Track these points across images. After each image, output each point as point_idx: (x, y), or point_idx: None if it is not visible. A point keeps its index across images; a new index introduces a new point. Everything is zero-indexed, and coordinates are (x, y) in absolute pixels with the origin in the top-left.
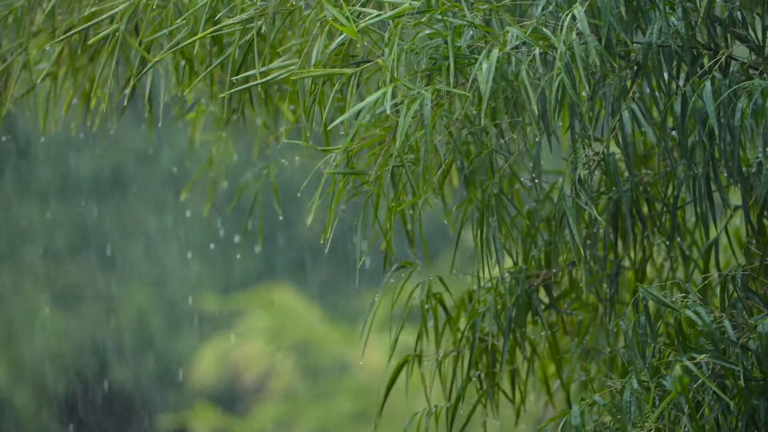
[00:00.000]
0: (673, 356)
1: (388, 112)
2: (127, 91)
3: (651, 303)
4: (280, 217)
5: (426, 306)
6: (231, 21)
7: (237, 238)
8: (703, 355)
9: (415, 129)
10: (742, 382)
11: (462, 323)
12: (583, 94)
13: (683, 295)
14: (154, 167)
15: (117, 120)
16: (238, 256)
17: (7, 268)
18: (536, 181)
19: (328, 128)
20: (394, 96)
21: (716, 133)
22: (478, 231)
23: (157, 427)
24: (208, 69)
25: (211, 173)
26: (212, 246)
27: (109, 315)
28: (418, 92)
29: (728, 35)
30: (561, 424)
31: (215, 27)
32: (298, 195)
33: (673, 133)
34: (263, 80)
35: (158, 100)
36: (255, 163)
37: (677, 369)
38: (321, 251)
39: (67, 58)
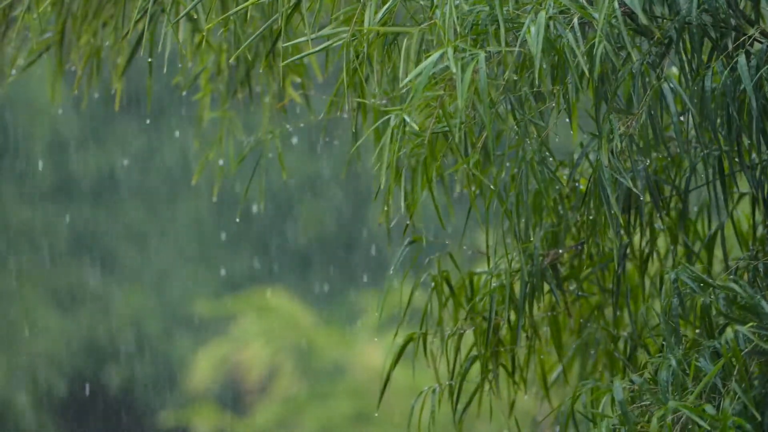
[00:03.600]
0: (704, 337)
1: (453, 70)
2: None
3: (669, 288)
4: (285, 179)
5: (437, 280)
6: None
7: (228, 236)
8: (749, 324)
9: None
10: None
11: (467, 303)
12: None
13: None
14: (152, 168)
15: (121, 76)
16: (237, 220)
17: (4, 271)
18: (549, 159)
19: (401, 86)
20: (446, 58)
21: (754, 105)
22: (517, 196)
23: (157, 428)
24: (255, 34)
25: (215, 154)
26: (209, 247)
27: (107, 316)
28: (472, 53)
29: (755, 13)
30: (603, 401)
31: None
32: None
33: (682, 118)
34: (317, 49)
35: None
36: (259, 131)
37: (729, 333)
38: (316, 254)
39: (70, 26)
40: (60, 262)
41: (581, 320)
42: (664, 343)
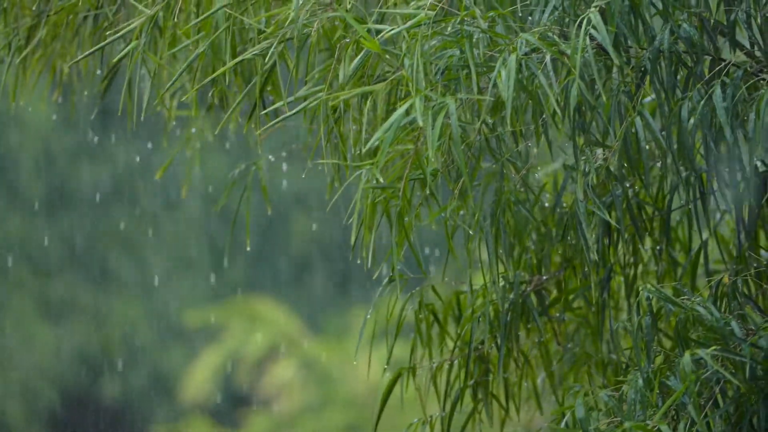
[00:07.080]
0: (676, 356)
1: (420, 122)
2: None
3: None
4: (269, 213)
5: (420, 316)
6: (252, 51)
7: (220, 246)
8: (711, 348)
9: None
10: (753, 374)
11: (454, 331)
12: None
13: (685, 297)
14: (145, 181)
15: (100, 102)
16: (226, 262)
17: None
18: (528, 188)
19: (366, 146)
20: (413, 109)
21: (727, 135)
22: (494, 232)
23: None
24: (237, 102)
25: (188, 152)
26: (201, 258)
27: (100, 328)
28: (441, 102)
29: (729, 41)
30: (565, 418)
31: (239, 58)
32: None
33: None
34: (294, 111)
35: (143, 104)
36: (243, 160)
37: (686, 358)
38: (310, 266)
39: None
40: (52, 274)
41: (567, 343)
42: (628, 362)
